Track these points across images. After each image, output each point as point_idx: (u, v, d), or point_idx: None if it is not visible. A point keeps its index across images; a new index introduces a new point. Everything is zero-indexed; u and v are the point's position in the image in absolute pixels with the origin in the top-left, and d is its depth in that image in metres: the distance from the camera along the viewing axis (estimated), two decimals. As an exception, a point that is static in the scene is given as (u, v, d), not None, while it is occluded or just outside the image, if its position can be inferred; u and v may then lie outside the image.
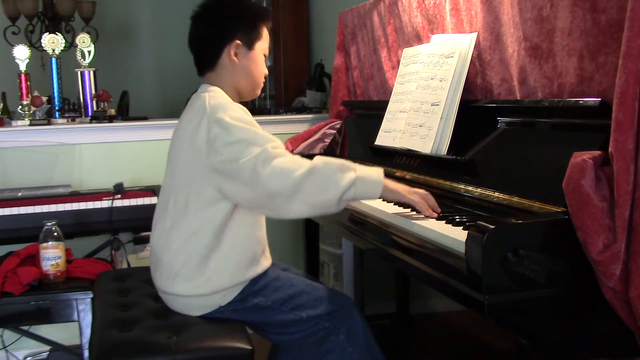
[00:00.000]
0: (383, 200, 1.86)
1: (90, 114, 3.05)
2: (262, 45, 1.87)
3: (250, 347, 1.67)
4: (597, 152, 1.33)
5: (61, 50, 3.04)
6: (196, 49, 1.88)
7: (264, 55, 1.89)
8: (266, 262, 1.86)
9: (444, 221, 1.62)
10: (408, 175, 2.06)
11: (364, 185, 1.63)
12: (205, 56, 1.85)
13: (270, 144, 1.65)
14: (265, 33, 1.88)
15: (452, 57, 1.98)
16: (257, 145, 1.64)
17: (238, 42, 1.81)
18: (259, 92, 1.93)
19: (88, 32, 3.30)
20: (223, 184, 1.69)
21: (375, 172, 1.66)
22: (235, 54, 1.82)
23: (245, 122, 1.70)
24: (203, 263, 1.74)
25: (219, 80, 1.84)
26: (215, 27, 1.83)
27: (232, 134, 1.66)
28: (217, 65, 1.83)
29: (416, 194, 1.69)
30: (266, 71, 1.92)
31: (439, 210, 1.68)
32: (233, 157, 1.65)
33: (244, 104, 1.84)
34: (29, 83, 2.94)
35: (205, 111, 1.71)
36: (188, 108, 1.83)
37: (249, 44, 1.84)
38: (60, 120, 3.00)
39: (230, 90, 1.84)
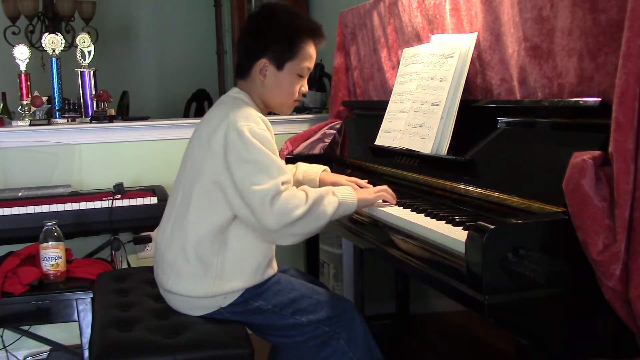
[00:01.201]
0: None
1: (90, 114, 3.05)
2: (298, 65, 1.82)
3: (250, 348, 1.67)
4: (597, 152, 1.33)
5: (61, 50, 3.04)
6: (237, 56, 1.91)
7: (300, 75, 1.84)
8: (271, 269, 1.86)
9: (444, 221, 1.63)
10: (406, 175, 2.06)
11: (345, 206, 1.78)
12: (239, 65, 1.88)
13: (282, 177, 1.69)
14: (304, 52, 1.81)
15: (452, 57, 1.98)
16: (270, 176, 1.68)
17: (265, 61, 1.80)
18: (287, 110, 1.92)
19: (88, 32, 3.30)
20: (231, 193, 1.71)
21: (349, 192, 1.81)
22: (263, 72, 1.81)
23: (262, 141, 1.71)
24: (205, 264, 1.75)
25: (248, 89, 1.86)
26: (249, 41, 1.84)
27: (248, 151, 1.69)
28: (248, 76, 1.85)
29: (379, 193, 1.87)
30: (304, 88, 1.88)
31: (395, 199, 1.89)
32: (247, 178, 1.68)
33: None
34: (29, 83, 2.94)
35: (228, 116, 1.73)
36: (213, 108, 1.85)
37: (279, 64, 1.81)
38: (60, 120, 3.00)
39: (258, 102, 1.87)
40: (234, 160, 1.69)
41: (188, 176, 1.79)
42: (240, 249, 1.77)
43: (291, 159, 2.65)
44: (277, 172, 1.69)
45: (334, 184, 1.99)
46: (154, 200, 2.61)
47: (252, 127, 1.71)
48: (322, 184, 2.08)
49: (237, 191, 1.69)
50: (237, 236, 1.76)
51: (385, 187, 1.91)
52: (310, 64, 1.86)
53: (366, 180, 2.09)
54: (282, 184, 1.69)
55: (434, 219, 1.67)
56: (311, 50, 1.83)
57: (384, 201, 1.89)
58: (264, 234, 1.74)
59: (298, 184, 2.04)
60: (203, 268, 1.75)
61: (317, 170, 2.12)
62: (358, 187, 1.98)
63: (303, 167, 2.15)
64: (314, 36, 1.84)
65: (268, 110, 1.90)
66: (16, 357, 2.83)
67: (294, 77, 1.83)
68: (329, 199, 1.74)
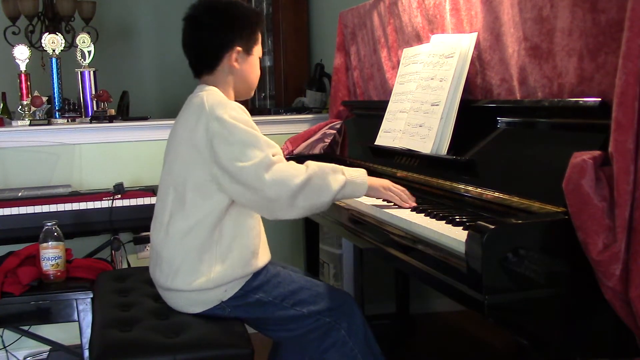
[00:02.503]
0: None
1: (90, 114, 3.05)
2: (258, 49, 1.92)
3: (250, 348, 1.67)
4: (597, 152, 1.33)
5: (61, 50, 3.04)
6: (194, 53, 1.89)
7: (259, 58, 1.94)
8: (266, 255, 1.87)
9: (444, 221, 1.63)
10: (406, 175, 2.06)
11: (352, 187, 1.78)
12: (204, 60, 1.87)
13: (271, 150, 1.71)
14: (260, 36, 1.92)
15: (452, 57, 1.98)
16: (259, 149, 1.69)
17: (239, 48, 1.85)
18: (251, 93, 1.98)
19: (88, 32, 3.30)
20: (223, 180, 1.72)
21: (361, 174, 1.81)
22: (236, 59, 1.85)
23: (244, 122, 1.73)
24: (203, 257, 1.75)
25: (216, 82, 1.87)
26: (215, 33, 1.84)
27: (232, 134, 1.70)
28: (216, 69, 1.86)
29: (390, 190, 1.84)
30: (259, 72, 1.96)
31: (413, 199, 1.86)
32: (234, 157, 1.69)
33: (243, 103, 1.87)
34: (29, 83, 2.94)
35: (204, 109, 1.74)
36: (185, 107, 1.85)
37: (248, 50, 1.88)
38: (60, 120, 2.99)
39: (228, 92, 1.87)
40: (220, 147, 1.70)
41: (179, 175, 1.78)
42: (237, 236, 1.78)
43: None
44: (266, 146, 1.71)
45: None
46: (154, 200, 2.59)
47: (230, 113, 1.73)
48: None
49: (228, 175, 1.70)
50: (233, 224, 1.77)
51: (402, 189, 1.87)
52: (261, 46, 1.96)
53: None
54: (273, 155, 1.70)
55: (434, 219, 1.67)
56: (260, 34, 1.94)
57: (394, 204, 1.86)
58: (265, 207, 1.73)
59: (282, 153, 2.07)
60: (202, 260, 1.75)
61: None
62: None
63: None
64: (262, 23, 1.97)
65: (235, 100, 1.90)
66: (16, 357, 2.83)
67: (257, 60, 1.93)
68: (336, 176, 1.74)
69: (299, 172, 1.70)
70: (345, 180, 1.75)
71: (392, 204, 1.86)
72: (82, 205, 2.56)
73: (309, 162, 1.76)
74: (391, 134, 2.24)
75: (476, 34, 1.93)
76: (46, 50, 3.05)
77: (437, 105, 1.98)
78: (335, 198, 1.75)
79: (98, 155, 2.94)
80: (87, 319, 2.20)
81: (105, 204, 2.58)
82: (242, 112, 1.76)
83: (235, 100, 1.89)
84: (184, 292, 1.78)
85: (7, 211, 2.47)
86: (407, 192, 1.88)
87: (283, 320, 1.81)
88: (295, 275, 1.90)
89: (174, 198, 1.79)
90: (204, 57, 1.87)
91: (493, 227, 1.29)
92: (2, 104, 3.25)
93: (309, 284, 1.86)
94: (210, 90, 1.82)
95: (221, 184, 1.73)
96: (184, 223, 1.76)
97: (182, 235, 1.76)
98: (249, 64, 1.89)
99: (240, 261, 1.78)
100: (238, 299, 1.79)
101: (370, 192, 1.82)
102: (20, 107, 2.93)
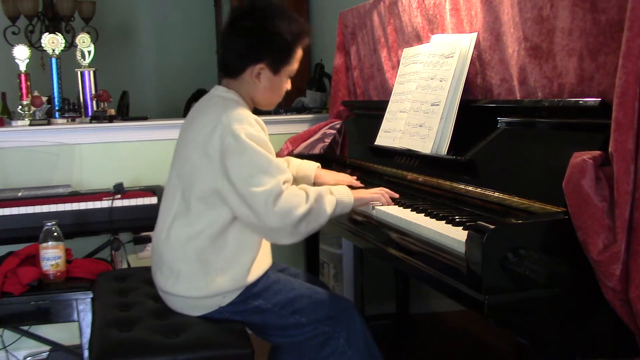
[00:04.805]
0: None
1: (90, 114, 3.05)
2: (290, 67, 1.84)
3: (250, 348, 1.67)
4: (597, 152, 1.33)
5: (61, 50, 3.03)
6: (223, 54, 1.87)
7: (289, 76, 1.87)
8: (267, 262, 1.86)
9: (444, 221, 1.63)
10: (406, 175, 2.06)
11: (342, 205, 1.80)
12: (229, 65, 1.84)
13: (282, 177, 1.69)
14: (297, 56, 1.84)
15: (452, 57, 1.98)
16: (271, 175, 1.68)
17: (263, 65, 1.79)
18: (272, 107, 1.94)
19: (88, 32, 3.30)
20: (231, 199, 1.70)
21: (345, 190, 1.84)
22: (258, 75, 1.80)
23: (259, 142, 1.70)
24: (204, 264, 1.75)
25: (237, 88, 1.83)
26: (244, 44, 1.79)
27: (246, 153, 1.67)
28: (239, 77, 1.82)
29: (374, 194, 1.90)
30: (289, 86, 1.89)
31: (396, 195, 1.93)
32: (245, 181, 1.67)
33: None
34: (29, 83, 2.94)
35: (221, 120, 1.70)
36: (203, 110, 1.81)
37: (275, 69, 1.81)
38: (60, 120, 2.99)
39: (247, 99, 1.84)
40: (232, 165, 1.68)
41: (186, 180, 1.77)
42: (239, 246, 1.77)
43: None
44: (277, 172, 1.69)
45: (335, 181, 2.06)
46: (154, 200, 2.61)
47: (247, 130, 1.69)
48: (317, 180, 2.10)
49: (237, 194, 1.68)
50: (236, 235, 1.76)
51: (382, 188, 1.92)
52: (298, 65, 1.88)
53: (358, 181, 2.12)
54: (283, 183, 1.69)
55: (434, 219, 1.67)
56: (301, 53, 1.86)
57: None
58: (266, 233, 1.75)
59: (292, 180, 2.04)
60: (203, 269, 1.75)
61: (312, 167, 2.13)
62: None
63: (296, 163, 2.15)
64: (305, 40, 1.86)
65: (254, 107, 1.88)
66: (16, 357, 2.83)
67: (286, 79, 1.86)
68: (328, 198, 1.75)
69: (302, 201, 1.69)
70: (336, 200, 1.77)
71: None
72: (82, 205, 2.55)
73: (304, 186, 1.76)
74: (391, 133, 2.24)
75: (476, 34, 1.93)
76: (46, 50, 3.05)
77: (437, 105, 1.98)
78: (328, 219, 1.77)
79: (98, 155, 2.94)
80: (87, 319, 2.20)
81: (105, 204, 2.58)
82: (259, 129, 1.73)
83: (255, 108, 1.88)
84: (183, 297, 1.77)
85: (7, 211, 2.47)
86: (385, 189, 1.92)
87: (282, 327, 1.81)
88: (295, 281, 1.89)
89: (180, 202, 1.77)
90: (229, 61, 1.83)
91: (493, 227, 1.29)
92: (2, 104, 3.25)
93: (308, 291, 1.85)
94: (230, 96, 1.79)
95: (227, 199, 1.71)
96: (187, 229, 1.75)
97: (184, 242, 1.75)
98: (272, 83, 1.82)
99: (242, 271, 1.77)
100: (237, 304, 1.78)
101: (356, 203, 1.84)
102: (20, 107, 2.93)
